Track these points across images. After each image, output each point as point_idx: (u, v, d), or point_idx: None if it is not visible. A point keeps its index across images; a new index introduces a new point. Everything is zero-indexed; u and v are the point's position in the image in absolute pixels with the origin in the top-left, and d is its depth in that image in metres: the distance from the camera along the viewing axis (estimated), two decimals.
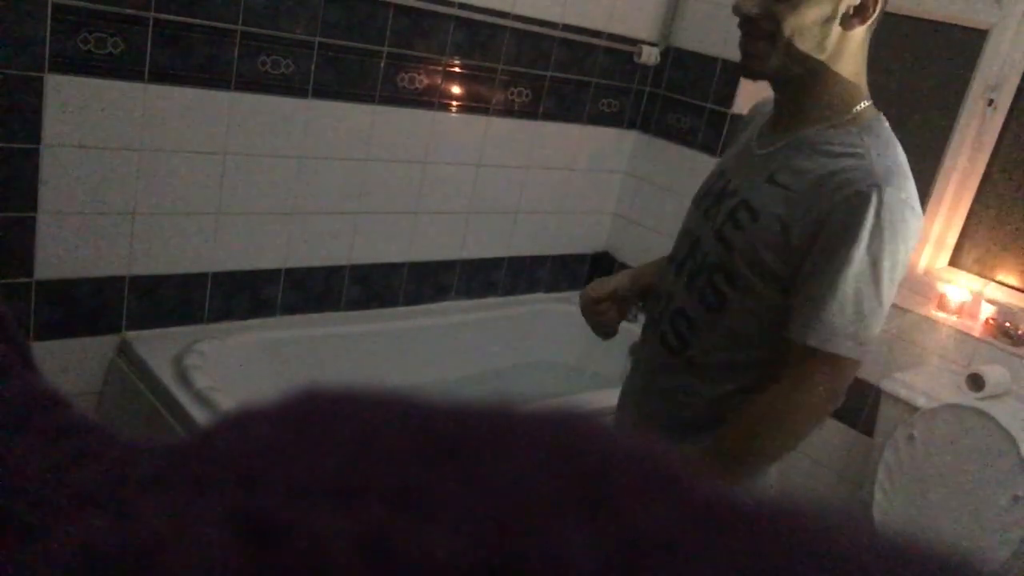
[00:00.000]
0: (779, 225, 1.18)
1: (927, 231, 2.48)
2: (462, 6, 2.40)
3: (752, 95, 2.78)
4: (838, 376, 1.17)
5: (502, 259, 2.90)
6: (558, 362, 2.95)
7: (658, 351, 1.34)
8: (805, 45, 1.18)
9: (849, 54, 1.20)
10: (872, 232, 1.11)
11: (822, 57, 1.19)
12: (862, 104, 1.22)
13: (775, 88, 1.28)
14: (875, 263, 1.12)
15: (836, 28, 1.18)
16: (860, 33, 1.20)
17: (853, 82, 1.22)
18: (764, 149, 1.27)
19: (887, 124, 1.23)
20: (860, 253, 1.11)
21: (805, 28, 1.16)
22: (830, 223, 1.13)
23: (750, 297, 1.22)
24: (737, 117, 2.78)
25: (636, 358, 1.45)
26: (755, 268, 1.20)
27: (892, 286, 1.16)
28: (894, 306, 2.40)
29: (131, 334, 2.15)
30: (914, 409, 2.18)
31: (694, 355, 1.29)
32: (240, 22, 2.05)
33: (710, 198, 1.33)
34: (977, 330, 2.30)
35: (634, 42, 2.84)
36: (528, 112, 2.71)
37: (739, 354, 1.26)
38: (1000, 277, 2.39)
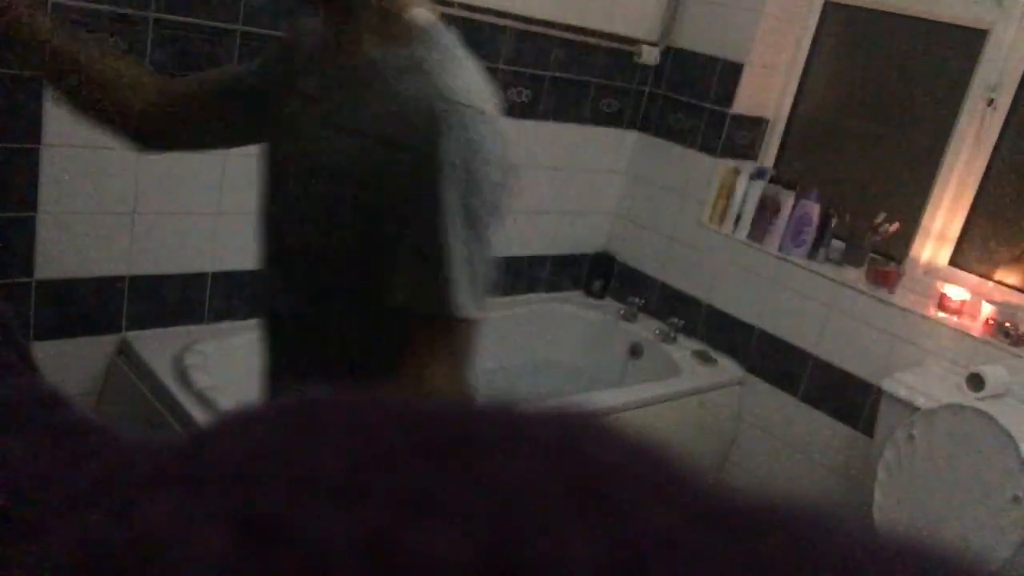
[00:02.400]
0: (356, 179, 0.97)
1: (927, 231, 2.49)
2: (462, 6, 2.40)
3: (752, 95, 2.79)
4: (465, 336, 0.99)
5: (502, 259, 2.90)
6: (558, 362, 2.96)
7: (278, 359, 1.17)
8: None
9: None
10: (457, 165, 0.91)
11: None
12: (414, 10, 0.99)
13: (320, 12, 1.07)
14: (471, 197, 0.93)
15: None
16: None
17: None
18: (313, 90, 1.03)
19: (448, 30, 1.01)
20: (451, 192, 0.92)
21: None
22: (408, 163, 0.93)
23: (347, 272, 1.02)
24: (738, 117, 2.79)
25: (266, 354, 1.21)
26: (345, 237, 1.00)
27: (496, 216, 0.97)
28: (894, 306, 2.41)
29: (131, 334, 2.15)
30: (914, 409, 2.18)
31: (316, 346, 1.10)
32: (240, 22, 2.05)
33: (274, 168, 1.09)
34: (977, 330, 2.30)
35: (634, 42, 2.84)
36: (528, 112, 2.71)
37: (353, 335, 1.06)
38: (1000, 277, 2.39)
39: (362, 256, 1.00)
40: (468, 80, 0.96)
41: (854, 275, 2.53)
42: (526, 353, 2.94)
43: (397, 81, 0.95)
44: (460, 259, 0.94)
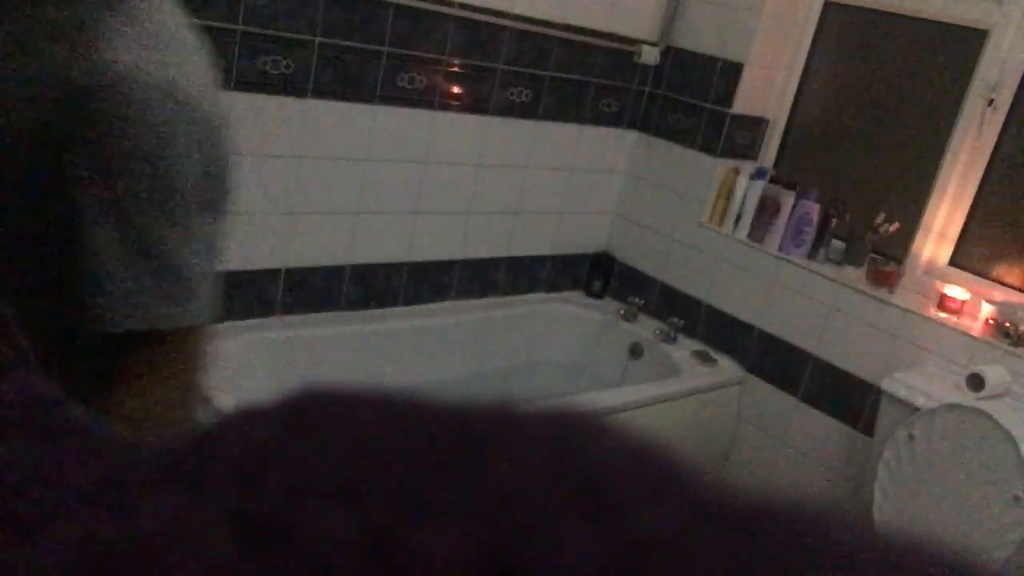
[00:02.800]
0: (14, 172, 0.75)
1: (927, 231, 2.49)
2: (462, 6, 2.40)
3: (752, 95, 2.78)
4: (189, 348, 0.81)
5: (502, 259, 2.90)
6: (558, 362, 2.96)
7: None
8: None
9: None
10: (120, 155, 0.72)
11: None
12: None
13: None
14: (158, 191, 0.74)
15: None
16: None
17: None
18: None
19: None
20: (119, 186, 0.72)
21: None
22: (57, 150, 0.72)
23: (40, 291, 0.79)
24: (738, 117, 2.79)
25: None
26: (24, 247, 0.79)
27: (209, 211, 0.83)
28: (894, 306, 2.41)
29: None
30: (914, 409, 2.18)
31: None
32: (240, 22, 2.05)
33: None
34: (977, 330, 2.30)
35: (634, 42, 2.84)
36: (528, 112, 2.71)
37: (61, 367, 0.76)
38: (1000, 276, 2.39)
39: (50, 268, 0.78)
40: (152, 52, 0.73)
41: (854, 275, 2.53)
42: (526, 353, 2.94)
43: (48, 48, 0.72)
44: (156, 264, 0.76)
